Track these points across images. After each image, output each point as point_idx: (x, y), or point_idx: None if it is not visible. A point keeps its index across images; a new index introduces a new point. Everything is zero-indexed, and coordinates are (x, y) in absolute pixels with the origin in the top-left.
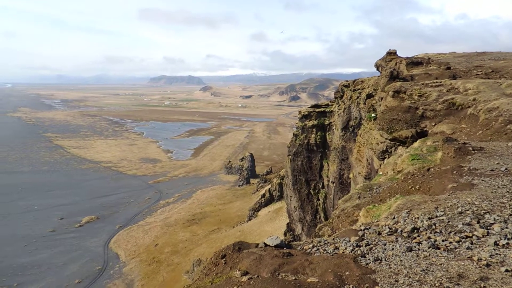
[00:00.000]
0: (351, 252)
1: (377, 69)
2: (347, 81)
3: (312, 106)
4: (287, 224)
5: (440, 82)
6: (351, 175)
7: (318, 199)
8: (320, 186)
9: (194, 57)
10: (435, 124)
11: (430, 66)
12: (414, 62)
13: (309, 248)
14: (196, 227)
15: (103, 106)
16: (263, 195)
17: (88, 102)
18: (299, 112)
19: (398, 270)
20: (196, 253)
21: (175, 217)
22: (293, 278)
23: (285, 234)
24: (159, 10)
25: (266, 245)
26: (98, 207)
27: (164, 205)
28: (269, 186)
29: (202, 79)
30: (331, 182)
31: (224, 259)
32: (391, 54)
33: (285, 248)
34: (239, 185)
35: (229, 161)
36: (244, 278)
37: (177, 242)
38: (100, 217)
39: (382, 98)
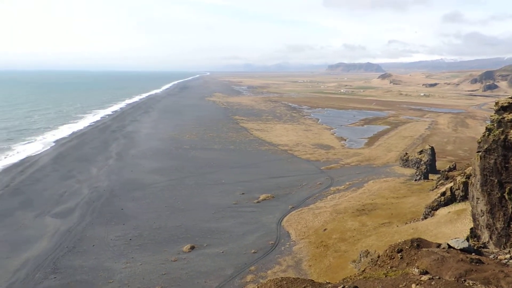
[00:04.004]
0: None
1: None
2: None
3: None
4: (471, 229)
5: None
6: None
7: None
8: None
9: (375, 43)
10: None
11: None
12: None
13: (505, 259)
14: (365, 218)
15: (283, 93)
16: (443, 193)
17: (270, 89)
18: (496, 103)
19: None
20: (364, 244)
21: (345, 205)
22: None
23: (467, 240)
24: None
25: (449, 246)
26: (274, 187)
27: (334, 192)
28: (451, 184)
29: (381, 66)
30: None
31: (400, 254)
32: None
33: (473, 254)
34: (415, 180)
35: (406, 153)
36: (424, 277)
37: (345, 230)
38: (275, 196)
39: None
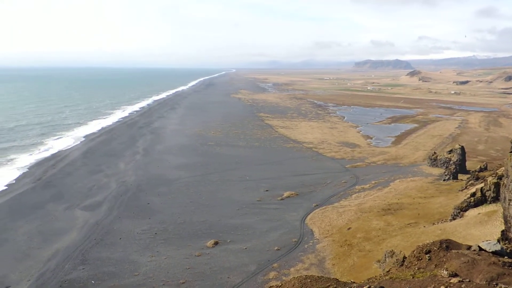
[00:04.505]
0: None
1: None
2: None
3: None
4: (502, 231)
5: None
6: None
7: None
8: None
9: (403, 40)
10: None
11: None
12: None
13: None
14: (391, 217)
15: (308, 90)
16: (473, 194)
17: (295, 86)
18: None
19: None
20: (389, 244)
21: (370, 204)
22: None
23: (498, 242)
24: None
25: (480, 249)
26: (298, 184)
27: (359, 191)
28: (482, 184)
29: (410, 63)
30: None
31: (428, 255)
32: None
33: (506, 257)
34: (444, 180)
35: (434, 153)
36: (454, 280)
37: (370, 229)
38: (299, 194)
39: None
